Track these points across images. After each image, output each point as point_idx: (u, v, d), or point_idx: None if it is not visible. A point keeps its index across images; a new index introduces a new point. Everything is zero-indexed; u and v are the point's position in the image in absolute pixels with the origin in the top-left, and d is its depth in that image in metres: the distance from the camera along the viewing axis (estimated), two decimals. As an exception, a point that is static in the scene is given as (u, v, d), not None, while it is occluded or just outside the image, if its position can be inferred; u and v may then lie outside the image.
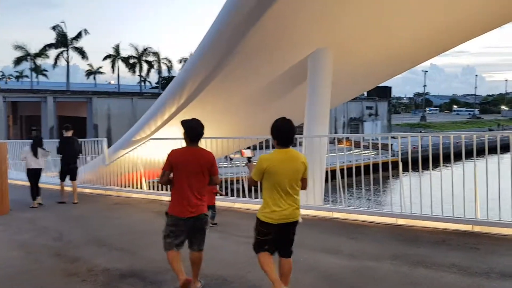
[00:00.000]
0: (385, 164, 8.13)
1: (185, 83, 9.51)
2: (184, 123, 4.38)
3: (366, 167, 8.03)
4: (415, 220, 7.21)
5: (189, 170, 4.25)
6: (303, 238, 6.87)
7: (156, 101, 10.85)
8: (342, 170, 8.07)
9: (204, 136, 4.50)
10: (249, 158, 5.65)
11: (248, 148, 5.99)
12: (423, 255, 5.68)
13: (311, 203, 8.40)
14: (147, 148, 10.87)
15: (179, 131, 4.45)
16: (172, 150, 4.39)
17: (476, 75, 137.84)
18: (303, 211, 8.39)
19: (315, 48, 8.97)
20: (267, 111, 11.83)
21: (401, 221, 7.35)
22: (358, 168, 8.16)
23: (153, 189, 11.05)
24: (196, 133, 4.33)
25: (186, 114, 10.26)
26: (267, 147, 9.41)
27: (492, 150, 6.93)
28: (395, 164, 8.60)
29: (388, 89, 62.91)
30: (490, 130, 65.68)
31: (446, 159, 7.39)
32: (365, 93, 59.89)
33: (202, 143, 4.62)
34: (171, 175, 4.38)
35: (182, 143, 4.50)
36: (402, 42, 9.51)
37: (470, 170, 6.90)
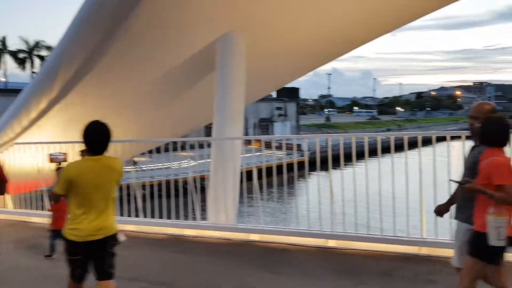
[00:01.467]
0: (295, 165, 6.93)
1: (56, 72, 7.33)
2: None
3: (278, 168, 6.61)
4: (349, 241, 5.87)
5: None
6: (215, 274, 5.19)
7: (20, 95, 8.45)
8: (250, 172, 6.60)
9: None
10: (59, 164, 4.89)
11: (61, 153, 4.69)
12: (371, 296, 4.32)
13: (222, 222, 6.75)
14: (11, 155, 8.50)
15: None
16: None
17: (374, 79, 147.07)
18: (212, 233, 6.77)
19: (225, 31, 7.34)
20: (168, 108, 9.98)
21: (332, 243, 5.97)
22: (270, 170, 6.69)
23: (21, 207, 8.67)
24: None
25: (61, 113, 8.05)
26: (202, 146, 7.61)
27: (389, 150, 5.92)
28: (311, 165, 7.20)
29: (296, 90, 63.62)
30: (388, 130, 69.37)
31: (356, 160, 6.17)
32: (275, 94, 60.03)
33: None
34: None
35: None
36: (325, 30, 8.27)
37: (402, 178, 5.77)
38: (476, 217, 3.34)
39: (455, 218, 3.69)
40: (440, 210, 3.85)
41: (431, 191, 5.54)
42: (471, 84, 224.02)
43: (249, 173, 7.10)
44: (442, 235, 5.45)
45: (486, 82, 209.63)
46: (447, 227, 5.40)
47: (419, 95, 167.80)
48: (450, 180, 3.65)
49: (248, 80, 7.72)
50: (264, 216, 6.71)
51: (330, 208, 6.26)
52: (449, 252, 5.23)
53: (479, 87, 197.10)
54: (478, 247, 3.28)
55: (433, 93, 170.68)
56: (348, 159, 6.33)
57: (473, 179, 3.32)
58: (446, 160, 5.45)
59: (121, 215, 7.64)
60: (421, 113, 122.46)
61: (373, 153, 6.18)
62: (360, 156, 6.21)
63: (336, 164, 6.22)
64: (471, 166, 3.49)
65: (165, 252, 6.09)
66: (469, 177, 3.40)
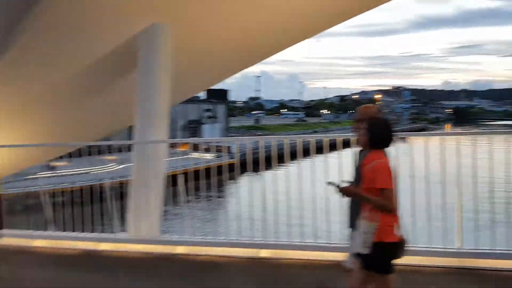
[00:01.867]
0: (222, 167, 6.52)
1: None
2: None
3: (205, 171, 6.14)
4: (283, 250, 5.53)
5: None
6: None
7: None
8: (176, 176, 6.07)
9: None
10: None
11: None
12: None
13: (144, 234, 6.12)
14: None
15: None
16: None
17: (301, 82, 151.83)
18: (133, 247, 6.03)
19: (149, 23, 6.72)
20: (86, 108, 9.11)
21: (264, 253, 5.59)
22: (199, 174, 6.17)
23: None
24: None
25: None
26: (120, 150, 6.81)
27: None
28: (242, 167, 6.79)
29: (225, 92, 63.42)
30: (315, 132, 71.21)
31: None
32: (204, 96, 59.41)
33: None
34: None
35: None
36: (253, 30, 7.98)
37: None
38: None
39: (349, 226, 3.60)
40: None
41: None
42: (389, 88, 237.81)
43: (175, 178, 6.55)
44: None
45: (402, 87, 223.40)
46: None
47: (342, 98, 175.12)
48: (327, 183, 3.45)
49: (174, 78, 7.16)
50: (191, 226, 6.19)
51: (262, 215, 5.89)
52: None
53: (396, 91, 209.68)
54: (367, 257, 3.13)
55: (355, 96, 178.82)
56: (279, 160, 6.01)
57: (359, 183, 3.25)
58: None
59: (28, 228, 6.78)
60: (345, 115, 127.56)
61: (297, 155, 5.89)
62: (282, 158, 5.89)
63: (267, 165, 5.90)
64: (358, 170, 3.41)
65: (77, 271, 5.36)
66: (358, 181, 3.31)
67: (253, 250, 5.61)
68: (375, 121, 3.33)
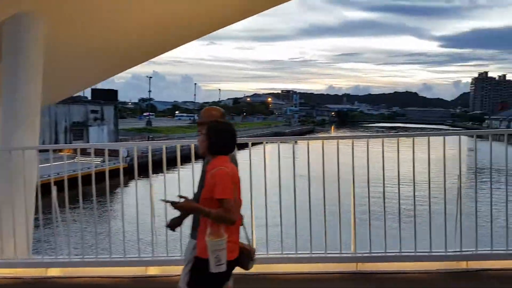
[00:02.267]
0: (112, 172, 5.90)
1: None
2: None
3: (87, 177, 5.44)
4: (173, 266, 5.05)
5: None
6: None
7: None
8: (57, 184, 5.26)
9: None
10: None
11: None
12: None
13: (10, 256, 5.22)
14: None
15: None
16: None
17: (195, 84, 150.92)
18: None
19: (14, 12, 5.79)
20: None
21: (153, 270, 5.09)
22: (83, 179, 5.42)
23: None
24: None
25: None
26: None
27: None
28: (126, 172, 6.19)
29: (114, 93, 60.30)
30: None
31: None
32: (90, 96, 55.96)
33: None
34: None
35: None
36: (145, 25, 7.40)
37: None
38: (199, 240, 3.00)
39: (190, 236, 3.39)
40: (173, 224, 3.40)
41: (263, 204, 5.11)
42: (279, 92, 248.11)
43: (49, 186, 5.70)
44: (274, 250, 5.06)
45: (292, 91, 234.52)
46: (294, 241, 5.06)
47: (236, 100, 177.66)
48: (161, 200, 3.24)
49: (49, 75, 6.28)
50: (67, 244, 5.42)
51: (150, 227, 5.36)
52: (279, 268, 4.89)
53: (287, 95, 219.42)
54: (196, 275, 2.98)
55: (248, 99, 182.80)
56: (171, 164, 5.53)
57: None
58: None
59: None
60: (238, 117, 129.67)
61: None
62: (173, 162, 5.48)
63: (158, 170, 5.42)
64: (202, 179, 3.20)
65: None
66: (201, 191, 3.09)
67: (140, 268, 5.08)
68: (215, 125, 3.07)
